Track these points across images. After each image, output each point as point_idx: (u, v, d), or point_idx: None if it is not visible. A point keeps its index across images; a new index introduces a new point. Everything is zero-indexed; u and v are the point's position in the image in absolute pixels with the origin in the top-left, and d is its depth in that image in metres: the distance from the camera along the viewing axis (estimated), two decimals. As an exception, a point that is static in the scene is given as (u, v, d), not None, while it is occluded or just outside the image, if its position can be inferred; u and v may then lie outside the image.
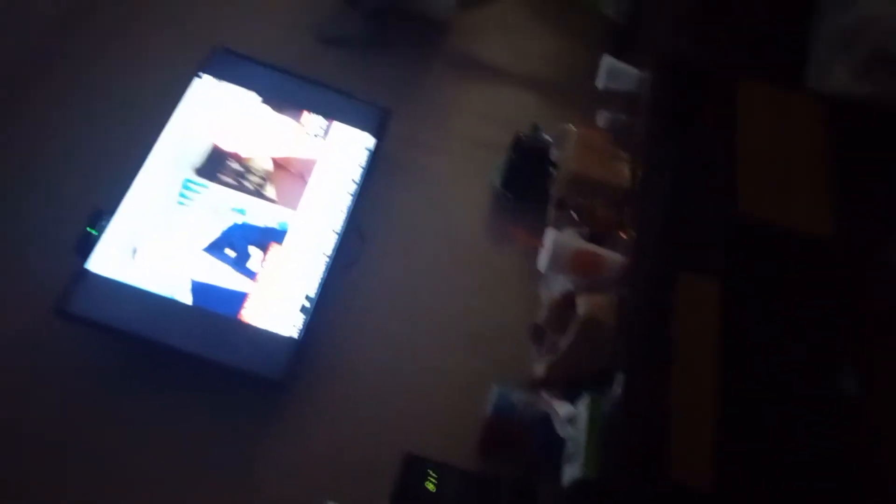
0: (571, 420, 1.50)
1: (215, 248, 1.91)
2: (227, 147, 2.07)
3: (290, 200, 2.03)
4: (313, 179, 2.08)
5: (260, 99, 2.17)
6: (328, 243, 1.98)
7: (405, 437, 1.74)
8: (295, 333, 1.83)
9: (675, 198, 1.44)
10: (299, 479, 1.74)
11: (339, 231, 2.00)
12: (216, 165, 2.03)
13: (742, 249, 1.39)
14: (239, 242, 1.93)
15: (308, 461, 1.77)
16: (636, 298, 1.45)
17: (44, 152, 2.10)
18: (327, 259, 1.95)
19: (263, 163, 2.07)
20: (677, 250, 1.39)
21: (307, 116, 2.17)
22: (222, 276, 1.88)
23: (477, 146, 2.36)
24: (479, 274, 2.12)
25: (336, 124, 2.18)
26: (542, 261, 1.76)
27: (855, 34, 1.70)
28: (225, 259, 1.90)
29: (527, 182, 2.19)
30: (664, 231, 1.42)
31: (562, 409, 1.54)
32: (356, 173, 2.11)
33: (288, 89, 2.21)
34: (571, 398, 1.57)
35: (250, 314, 1.84)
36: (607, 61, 1.94)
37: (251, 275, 1.89)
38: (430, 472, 1.53)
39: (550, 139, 2.19)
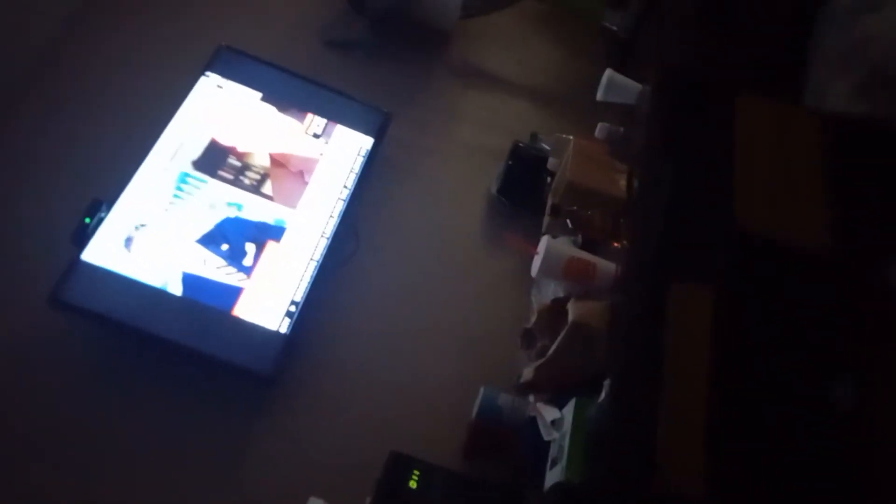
0: (556, 423, 1.50)
1: (209, 241, 1.92)
2: (226, 142, 2.08)
3: (288, 199, 2.04)
4: (314, 179, 2.09)
5: (263, 98, 2.18)
6: (324, 242, 1.99)
7: (391, 436, 1.74)
8: (285, 330, 1.84)
9: (672, 208, 1.44)
10: (283, 474, 1.73)
11: (334, 230, 2.01)
12: (215, 160, 2.04)
13: (737, 261, 1.38)
14: (234, 238, 1.94)
15: (293, 457, 1.76)
16: (628, 305, 1.45)
17: (46, 144, 2.11)
18: (321, 258, 1.96)
19: (262, 160, 2.08)
20: (672, 260, 1.39)
21: (309, 117, 2.19)
22: (215, 269, 1.88)
23: (476, 153, 2.38)
24: (472, 278, 2.13)
25: (337, 126, 2.19)
26: (535, 267, 1.77)
27: (854, 54, 1.71)
28: (219, 253, 1.90)
29: (523, 189, 2.21)
30: (659, 241, 1.42)
31: (548, 413, 1.54)
32: (355, 175, 2.12)
33: (291, 90, 2.23)
34: (559, 404, 1.57)
35: (243, 310, 1.84)
36: (608, 74, 1.96)
37: (247, 271, 1.90)
38: (414, 471, 1.52)
39: (548, 148, 2.21)
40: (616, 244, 1.78)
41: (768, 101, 1.59)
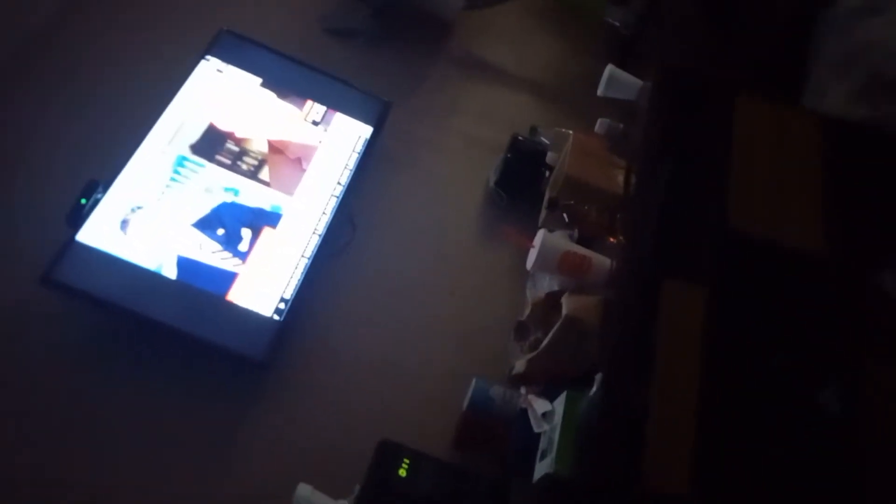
0: (547, 416, 1.51)
1: (204, 225, 1.91)
2: (224, 127, 2.07)
3: (285, 185, 2.04)
4: (312, 167, 2.08)
5: (263, 83, 2.17)
6: (320, 230, 1.99)
7: (383, 424, 1.74)
8: (279, 316, 1.84)
9: (668, 206, 1.45)
10: (273, 460, 1.74)
11: (331, 219, 2.01)
12: (213, 145, 2.03)
13: (731, 261, 1.39)
14: (230, 222, 1.93)
15: (283, 443, 1.76)
16: (622, 301, 1.46)
17: (44, 125, 2.09)
18: (317, 246, 1.96)
19: (260, 145, 2.08)
20: (666, 257, 1.40)
21: (308, 104, 2.18)
22: (210, 254, 1.88)
23: (475, 145, 2.37)
24: (468, 269, 2.13)
25: (336, 114, 2.19)
26: (531, 260, 1.77)
27: (855, 57, 1.71)
28: (214, 237, 1.90)
29: (521, 182, 2.21)
30: (654, 238, 1.42)
31: (539, 405, 1.55)
32: (352, 163, 2.12)
33: (291, 76, 2.22)
34: (551, 396, 1.57)
35: (238, 295, 1.84)
36: (610, 70, 1.96)
37: (242, 256, 1.90)
38: (404, 460, 1.53)
39: (547, 142, 2.21)
40: (612, 240, 1.79)
41: (768, 102, 1.60)
